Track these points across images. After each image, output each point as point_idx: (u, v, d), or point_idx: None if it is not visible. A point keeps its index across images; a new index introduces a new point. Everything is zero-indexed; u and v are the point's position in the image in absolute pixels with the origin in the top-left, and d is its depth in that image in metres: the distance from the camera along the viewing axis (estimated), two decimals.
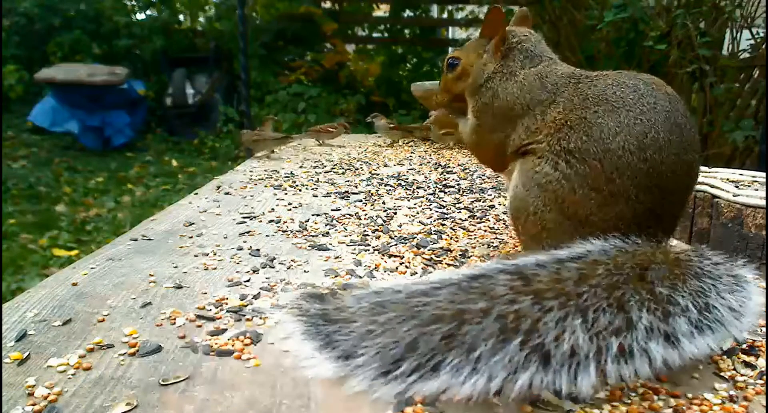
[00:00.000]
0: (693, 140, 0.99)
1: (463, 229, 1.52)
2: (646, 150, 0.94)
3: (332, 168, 2.59)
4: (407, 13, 8.63)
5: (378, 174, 2.43)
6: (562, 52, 4.94)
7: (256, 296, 1.00)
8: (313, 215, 1.67)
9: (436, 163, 2.76)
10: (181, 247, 1.33)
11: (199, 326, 0.89)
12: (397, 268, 1.17)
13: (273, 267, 1.18)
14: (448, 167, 2.64)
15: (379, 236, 1.43)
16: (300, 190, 2.07)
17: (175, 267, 1.18)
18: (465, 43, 1.27)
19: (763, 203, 1.59)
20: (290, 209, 1.75)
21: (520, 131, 1.10)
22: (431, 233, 1.46)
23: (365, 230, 1.48)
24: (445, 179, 2.30)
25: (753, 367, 0.79)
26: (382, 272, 1.14)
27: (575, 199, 0.99)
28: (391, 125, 3.49)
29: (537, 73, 1.12)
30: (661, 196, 0.97)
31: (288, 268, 1.18)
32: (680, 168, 0.96)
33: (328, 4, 8.61)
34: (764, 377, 0.77)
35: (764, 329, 0.90)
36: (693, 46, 3.52)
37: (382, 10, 9.14)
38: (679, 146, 0.96)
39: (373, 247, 1.33)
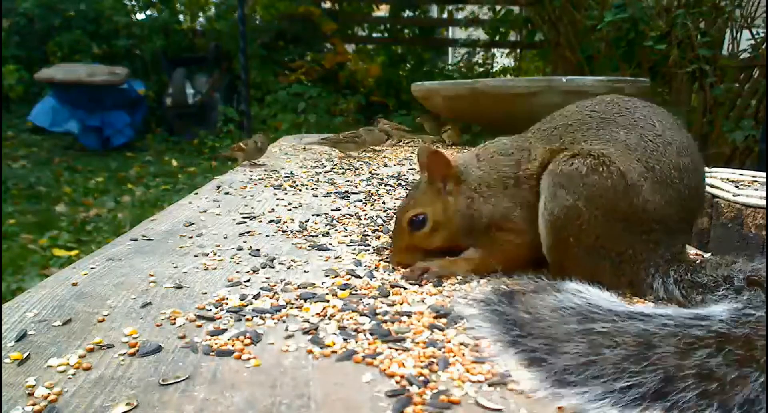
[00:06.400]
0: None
1: None
2: (663, 135, 1.00)
3: (332, 168, 2.59)
4: (407, 13, 8.61)
5: (378, 174, 2.43)
6: (562, 52, 4.94)
7: (256, 296, 1.00)
8: (313, 215, 1.67)
9: None
10: (181, 247, 1.33)
11: (199, 326, 0.89)
12: (396, 268, 1.17)
13: (273, 267, 1.18)
14: None
15: (379, 236, 1.43)
16: (300, 190, 2.07)
17: (175, 267, 1.18)
18: (412, 195, 1.20)
19: (763, 203, 1.58)
20: (290, 209, 1.75)
21: (526, 186, 1.10)
22: None
23: (365, 230, 1.48)
24: None
25: None
26: (382, 272, 1.14)
27: (629, 187, 0.97)
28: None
29: (491, 154, 1.15)
30: (697, 173, 1.02)
31: (288, 268, 1.18)
32: (692, 145, 1.03)
33: (327, 4, 8.60)
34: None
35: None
36: (693, 46, 3.52)
37: (381, 10, 9.14)
38: (681, 128, 1.03)
39: (373, 247, 1.33)
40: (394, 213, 1.68)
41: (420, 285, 1.07)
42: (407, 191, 2.02)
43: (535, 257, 1.12)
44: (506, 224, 1.11)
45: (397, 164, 2.78)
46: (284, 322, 0.90)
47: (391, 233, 1.40)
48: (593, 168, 0.98)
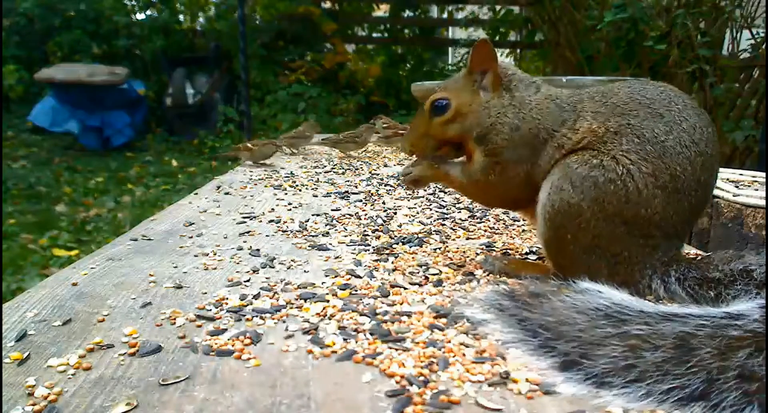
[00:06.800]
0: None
1: (463, 229, 1.52)
2: (699, 144, 0.97)
3: (332, 168, 2.59)
4: (407, 13, 8.62)
5: (378, 174, 2.43)
6: (562, 52, 4.94)
7: (256, 296, 1.00)
8: (313, 215, 1.67)
9: None
10: (181, 247, 1.33)
11: (199, 326, 0.89)
12: (396, 268, 1.17)
13: (273, 267, 1.18)
14: None
15: (379, 236, 1.43)
16: (300, 190, 2.07)
17: (175, 267, 1.18)
18: (445, 83, 1.16)
19: (763, 203, 1.58)
20: (290, 209, 1.75)
21: (551, 151, 1.05)
22: (431, 233, 1.46)
23: (365, 230, 1.48)
24: None
25: None
26: (382, 272, 1.14)
27: (641, 199, 0.95)
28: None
29: (547, 96, 1.08)
30: (710, 188, 1.01)
31: (288, 268, 1.18)
32: (718, 159, 1.02)
33: (327, 4, 8.60)
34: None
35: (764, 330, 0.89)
36: (693, 46, 3.52)
37: (381, 10, 9.14)
38: (715, 139, 1.01)
39: (373, 247, 1.33)
40: (394, 213, 1.69)
41: (420, 285, 1.07)
42: (408, 192, 2.03)
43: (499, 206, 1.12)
44: (507, 166, 1.07)
45: (397, 164, 2.78)
46: (284, 322, 0.90)
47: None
48: (610, 180, 0.97)
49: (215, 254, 1.28)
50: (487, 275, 1.13)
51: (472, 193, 1.20)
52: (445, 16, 8.77)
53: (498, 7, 6.30)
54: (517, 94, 1.09)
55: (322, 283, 1.07)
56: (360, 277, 1.11)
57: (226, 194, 2.00)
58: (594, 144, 1.01)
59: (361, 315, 0.91)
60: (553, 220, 1.01)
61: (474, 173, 1.11)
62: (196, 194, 2.03)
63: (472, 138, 1.11)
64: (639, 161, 0.97)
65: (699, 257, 1.05)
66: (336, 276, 1.12)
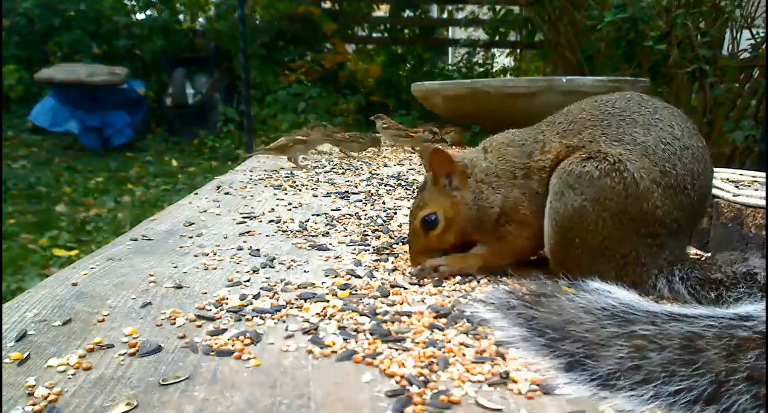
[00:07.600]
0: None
1: None
2: (681, 138, 0.98)
3: (332, 168, 2.59)
4: (407, 13, 8.61)
5: (378, 174, 2.43)
6: (562, 52, 4.94)
7: (256, 296, 1.00)
8: (313, 215, 1.67)
9: None
10: (181, 247, 1.33)
11: (199, 326, 0.89)
12: (396, 268, 1.17)
13: (273, 267, 1.18)
14: None
15: (379, 236, 1.43)
16: (300, 190, 2.07)
17: (175, 267, 1.18)
18: (421, 198, 1.17)
19: (763, 203, 1.58)
20: (290, 209, 1.75)
21: (537, 176, 1.07)
22: None
23: (365, 230, 1.48)
24: None
25: None
26: (382, 272, 1.14)
27: (640, 192, 0.96)
28: (385, 125, 3.42)
29: (498, 145, 1.13)
30: (708, 178, 1.02)
31: (288, 268, 1.18)
32: (707, 150, 1.02)
33: (327, 4, 8.60)
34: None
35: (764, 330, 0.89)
36: (693, 46, 3.52)
37: (381, 10, 9.13)
38: (697, 131, 1.02)
39: (373, 247, 1.33)
40: (394, 213, 1.69)
41: (420, 285, 1.07)
42: (408, 192, 2.03)
43: (540, 248, 1.12)
44: (515, 215, 1.09)
45: (397, 164, 2.78)
46: (284, 322, 0.90)
47: (406, 237, 1.30)
48: (606, 173, 0.97)
49: (215, 254, 1.28)
50: (487, 275, 1.12)
51: (515, 253, 1.16)
52: (445, 16, 8.76)
53: (498, 7, 6.30)
54: (476, 170, 1.13)
55: (322, 283, 1.07)
56: (360, 277, 1.11)
57: (226, 194, 2.01)
58: (576, 149, 1.03)
59: (361, 315, 0.91)
60: (561, 225, 1.01)
61: (507, 244, 1.12)
62: (196, 194, 2.03)
63: (473, 233, 1.14)
64: (627, 158, 0.98)
65: (703, 258, 1.05)
66: (336, 276, 1.12)
